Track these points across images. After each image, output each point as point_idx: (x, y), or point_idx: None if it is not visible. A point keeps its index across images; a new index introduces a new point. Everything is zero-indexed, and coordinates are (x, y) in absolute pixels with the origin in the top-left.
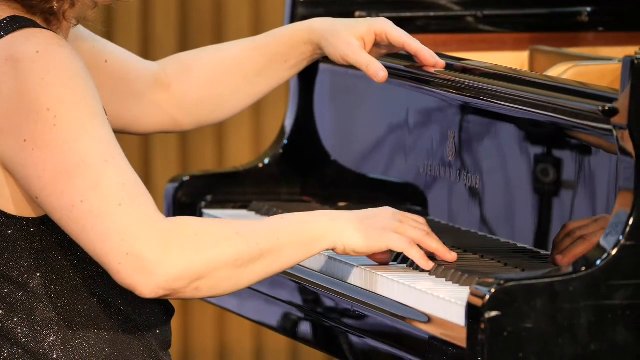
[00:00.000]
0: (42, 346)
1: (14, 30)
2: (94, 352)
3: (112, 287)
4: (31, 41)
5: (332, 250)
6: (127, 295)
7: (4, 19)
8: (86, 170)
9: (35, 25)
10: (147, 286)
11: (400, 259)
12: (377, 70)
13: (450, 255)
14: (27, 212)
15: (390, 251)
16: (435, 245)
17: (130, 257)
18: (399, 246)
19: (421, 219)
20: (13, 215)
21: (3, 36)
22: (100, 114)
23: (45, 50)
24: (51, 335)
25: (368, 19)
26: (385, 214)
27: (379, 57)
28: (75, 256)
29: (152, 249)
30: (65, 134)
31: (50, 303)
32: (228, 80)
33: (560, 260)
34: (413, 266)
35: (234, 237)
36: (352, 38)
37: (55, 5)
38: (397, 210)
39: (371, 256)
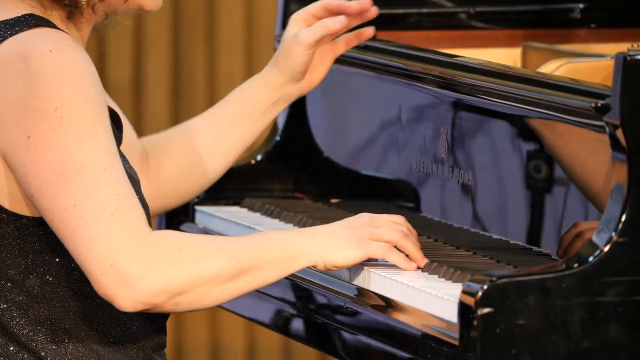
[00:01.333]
0: (36, 345)
1: (29, 27)
2: (86, 354)
3: None
4: (45, 40)
5: (313, 268)
6: None
7: (21, 16)
8: (84, 175)
9: (51, 26)
10: (126, 300)
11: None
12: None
13: (420, 263)
14: (27, 210)
15: None
16: (410, 247)
17: (114, 268)
18: (377, 254)
19: (400, 218)
20: (13, 213)
21: (17, 32)
22: (105, 121)
23: (58, 50)
24: (45, 335)
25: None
26: (361, 221)
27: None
28: (72, 259)
29: (137, 264)
30: (69, 136)
31: (45, 303)
32: (198, 145)
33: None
34: None
35: (216, 253)
36: (293, 33)
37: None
38: (373, 215)
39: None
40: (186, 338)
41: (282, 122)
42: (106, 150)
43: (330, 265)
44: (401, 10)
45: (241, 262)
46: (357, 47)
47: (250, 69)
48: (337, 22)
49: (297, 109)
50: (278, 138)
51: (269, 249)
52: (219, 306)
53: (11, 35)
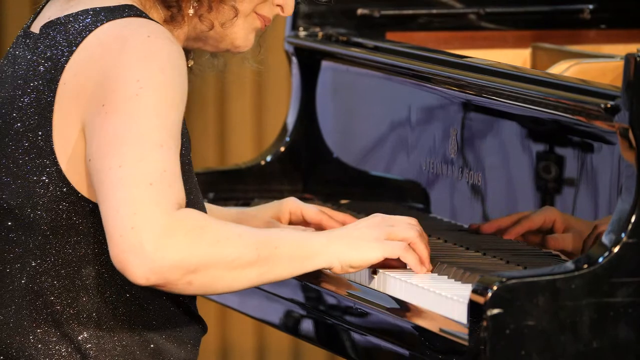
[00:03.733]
0: (78, 337)
1: (129, 16)
2: (123, 354)
3: (156, 296)
4: (145, 27)
5: (330, 270)
6: (168, 308)
7: (122, 5)
8: (138, 144)
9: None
10: (139, 268)
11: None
12: None
13: (427, 267)
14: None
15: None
16: (423, 249)
17: (134, 232)
18: (394, 253)
19: (413, 220)
20: (84, 197)
21: (118, 18)
22: (180, 110)
23: (156, 38)
24: (89, 328)
25: (276, 201)
26: (374, 221)
27: None
28: None
29: (157, 233)
30: (140, 107)
31: (95, 296)
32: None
33: (549, 242)
34: None
35: (235, 238)
36: (269, 218)
37: (191, 8)
38: (385, 215)
39: (385, 262)
40: None
41: (292, 123)
42: (170, 133)
43: (347, 266)
44: (411, 11)
45: (259, 251)
46: (367, 48)
47: (260, 70)
48: (332, 223)
49: (307, 110)
50: (287, 139)
51: (286, 243)
52: (228, 306)
53: (112, 19)
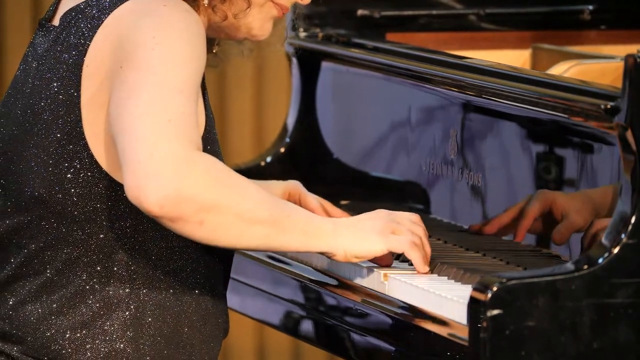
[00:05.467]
0: (105, 325)
1: None
2: (149, 343)
3: (190, 288)
4: (164, 0)
5: (332, 257)
6: (199, 303)
7: None
8: (157, 90)
9: None
10: (155, 194)
11: (402, 257)
12: None
13: (426, 268)
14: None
15: (392, 253)
16: (427, 249)
17: (154, 159)
18: (399, 248)
19: (416, 217)
20: (116, 181)
21: None
22: (197, 73)
23: (173, 7)
24: (117, 316)
25: (280, 181)
26: (380, 215)
27: None
28: (167, 244)
29: (177, 164)
30: (158, 60)
31: (127, 283)
32: None
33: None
34: None
35: (252, 190)
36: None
37: None
38: (391, 211)
39: (374, 259)
40: None
41: (292, 123)
42: (188, 83)
43: (352, 256)
44: (411, 12)
45: (271, 211)
46: (367, 49)
47: (260, 71)
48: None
49: (307, 111)
50: (287, 140)
51: (298, 216)
52: (229, 307)
53: None
